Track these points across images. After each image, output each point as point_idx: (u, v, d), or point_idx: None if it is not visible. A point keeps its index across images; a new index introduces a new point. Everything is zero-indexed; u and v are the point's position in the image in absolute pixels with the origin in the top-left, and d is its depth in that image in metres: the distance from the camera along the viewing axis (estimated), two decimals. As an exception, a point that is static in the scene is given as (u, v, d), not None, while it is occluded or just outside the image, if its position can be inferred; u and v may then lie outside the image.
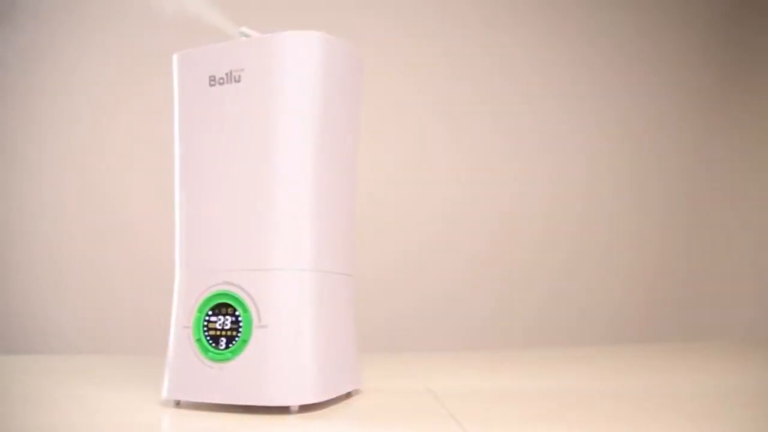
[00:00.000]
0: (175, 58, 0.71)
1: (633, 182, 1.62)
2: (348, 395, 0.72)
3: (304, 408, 0.64)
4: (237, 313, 0.64)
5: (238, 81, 0.66)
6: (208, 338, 0.65)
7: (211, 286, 0.66)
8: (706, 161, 1.65)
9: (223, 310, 0.65)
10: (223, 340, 0.64)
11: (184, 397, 0.66)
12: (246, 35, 0.73)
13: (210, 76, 0.68)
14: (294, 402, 0.62)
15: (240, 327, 0.64)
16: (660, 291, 1.59)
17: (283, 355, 0.63)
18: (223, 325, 0.64)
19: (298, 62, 0.65)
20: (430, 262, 1.51)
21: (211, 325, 0.65)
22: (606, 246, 1.59)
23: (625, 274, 1.59)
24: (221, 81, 0.67)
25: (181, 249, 0.69)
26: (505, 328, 1.51)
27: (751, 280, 1.58)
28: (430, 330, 1.47)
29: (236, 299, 0.64)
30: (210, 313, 0.65)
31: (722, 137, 1.66)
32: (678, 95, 1.66)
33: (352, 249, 0.73)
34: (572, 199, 1.58)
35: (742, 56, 1.65)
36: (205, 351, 0.65)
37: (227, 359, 0.63)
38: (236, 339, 0.63)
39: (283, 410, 0.63)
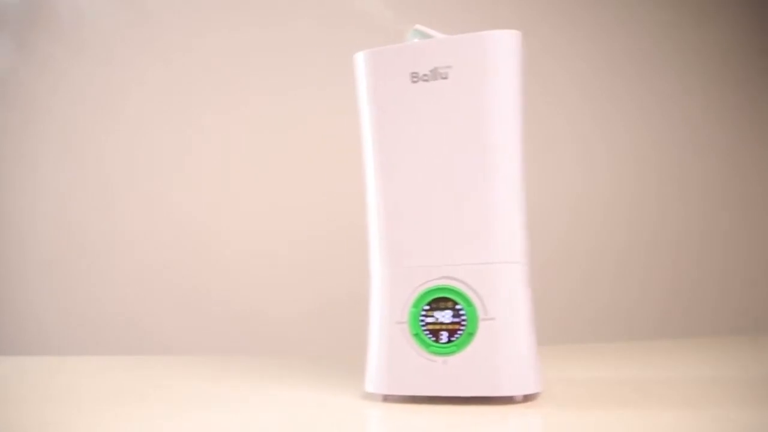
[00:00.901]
0: (361, 56, 0.71)
1: (658, 182, 1.63)
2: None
3: (525, 398, 0.65)
4: (458, 306, 0.65)
5: (445, 78, 0.67)
6: (427, 332, 0.66)
7: (426, 282, 0.66)
8: (737, 164, 1.68)
9: (442, 305, 0.66)
10: (444, 334, 0.65)
11: (399, 391, 0.67)
12: (423, 33, 0.74)
13: (412, 73, 0.68)
14: (521, 392, 0.64)
15: (463, 320, 0.65)
16: (688, 287, 1.62)
17: (510, 346, 0.64)
18: (443, 319, 0.65)
19: (506, 60, 0.66)
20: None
21: (429, 320, 0.66)
22: (630, 244, 1.60)
23: (650, 273, 1.60)
24: (425, 78, 0.68)
25: (384, 248, 0.69)
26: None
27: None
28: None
29: (458, 293, 0.65)
30: (427, 308, 0.66)
31: (751, 139, 1.70)
32: (705, 97, 1.68)
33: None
34: (596, 199, 1.59)
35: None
36: (426, 345, 0.65)
37: (452, 353, 0.64)
38: (459, 332, 0.64)
39: (505, 400, 0.64)
